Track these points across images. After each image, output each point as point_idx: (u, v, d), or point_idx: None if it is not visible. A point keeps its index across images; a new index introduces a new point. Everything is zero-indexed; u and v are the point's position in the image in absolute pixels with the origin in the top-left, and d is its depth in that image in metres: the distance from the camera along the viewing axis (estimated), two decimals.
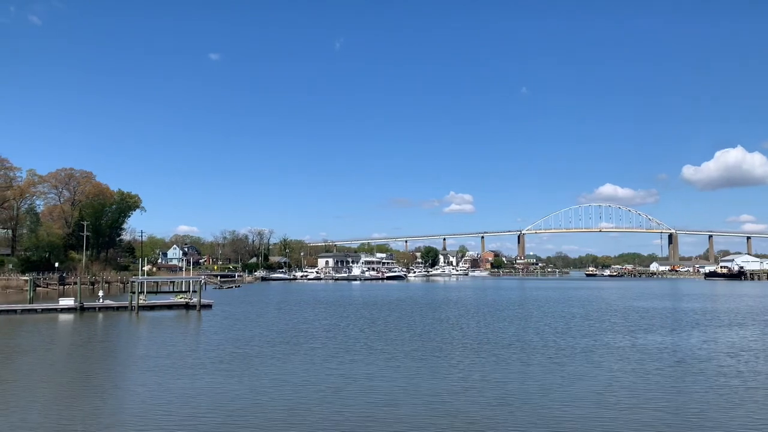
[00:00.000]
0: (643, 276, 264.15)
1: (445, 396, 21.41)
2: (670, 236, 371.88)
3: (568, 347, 33.80)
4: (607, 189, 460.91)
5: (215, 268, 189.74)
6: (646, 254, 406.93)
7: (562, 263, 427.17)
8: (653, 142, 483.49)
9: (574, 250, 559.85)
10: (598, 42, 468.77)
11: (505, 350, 32.65)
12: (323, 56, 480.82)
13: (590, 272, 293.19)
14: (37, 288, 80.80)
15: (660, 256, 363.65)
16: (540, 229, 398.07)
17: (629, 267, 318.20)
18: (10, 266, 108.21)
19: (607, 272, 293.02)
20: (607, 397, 21.19)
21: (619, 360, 29.46)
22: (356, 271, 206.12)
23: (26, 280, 77.40)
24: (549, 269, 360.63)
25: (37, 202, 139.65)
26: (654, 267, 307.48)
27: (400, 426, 17.66)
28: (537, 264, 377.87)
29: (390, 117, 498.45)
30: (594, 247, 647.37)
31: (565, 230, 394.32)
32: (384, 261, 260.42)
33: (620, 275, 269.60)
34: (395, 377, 24.96)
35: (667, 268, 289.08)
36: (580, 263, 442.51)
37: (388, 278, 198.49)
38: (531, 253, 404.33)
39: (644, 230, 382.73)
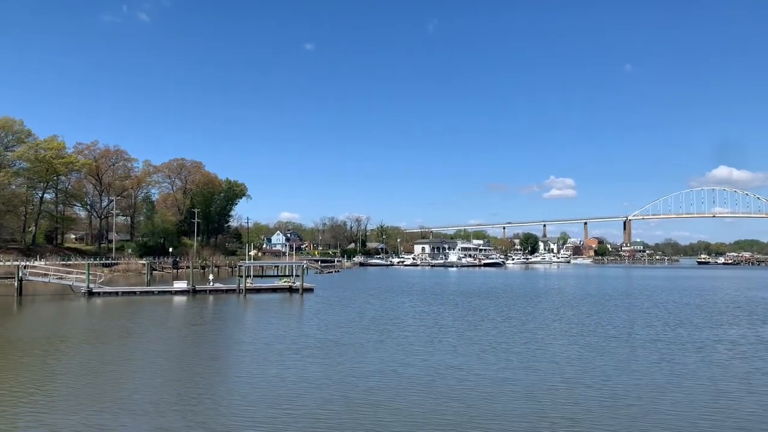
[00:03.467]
0: (763, 264, 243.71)
1: (545, 393, 20.37)
2: None
3: (682, 342, 31.43)
4: (722, 172, 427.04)
5: (316, 253, 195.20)
6: (765, 241, 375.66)
7: (671, 250, 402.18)
8: None
9: (685, 236, 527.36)
10: (711, 17, 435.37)
11: (610, 343, 30.90)
12: (416, 41, 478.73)
13: (702, 260, 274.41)
14: (153, 271, 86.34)
15: None
16: (647, 215, 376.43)
17: (746, 255, 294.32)
18: (129, 251, 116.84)
19: (721, 260, 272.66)
20: (729, 402, 19.29)
21: (744, 358, 26.86)
22: (453, 257, 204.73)
23: (144, 264, 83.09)
24: (657, 257, 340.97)
25: (152, 191, 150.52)
26: None
27: (494, 424, 16.92)
28: (644, 251, 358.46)
29: (486, 99, 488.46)
30: (706, 234, 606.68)
31: (674, 216, 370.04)
32: (481, 248, 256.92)
33: (736, 263, 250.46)
34: (490, 371, 24.10)
35: None
36: (691, 250, 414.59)
37: (486, 265, 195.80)
38: (638, 240, 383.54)
39: (764, 215, 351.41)
